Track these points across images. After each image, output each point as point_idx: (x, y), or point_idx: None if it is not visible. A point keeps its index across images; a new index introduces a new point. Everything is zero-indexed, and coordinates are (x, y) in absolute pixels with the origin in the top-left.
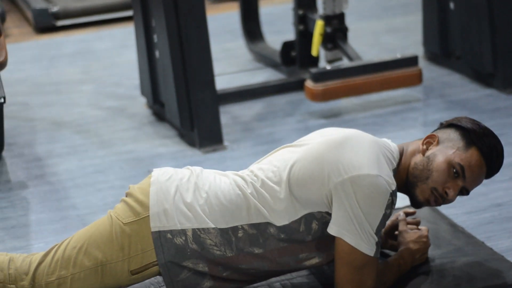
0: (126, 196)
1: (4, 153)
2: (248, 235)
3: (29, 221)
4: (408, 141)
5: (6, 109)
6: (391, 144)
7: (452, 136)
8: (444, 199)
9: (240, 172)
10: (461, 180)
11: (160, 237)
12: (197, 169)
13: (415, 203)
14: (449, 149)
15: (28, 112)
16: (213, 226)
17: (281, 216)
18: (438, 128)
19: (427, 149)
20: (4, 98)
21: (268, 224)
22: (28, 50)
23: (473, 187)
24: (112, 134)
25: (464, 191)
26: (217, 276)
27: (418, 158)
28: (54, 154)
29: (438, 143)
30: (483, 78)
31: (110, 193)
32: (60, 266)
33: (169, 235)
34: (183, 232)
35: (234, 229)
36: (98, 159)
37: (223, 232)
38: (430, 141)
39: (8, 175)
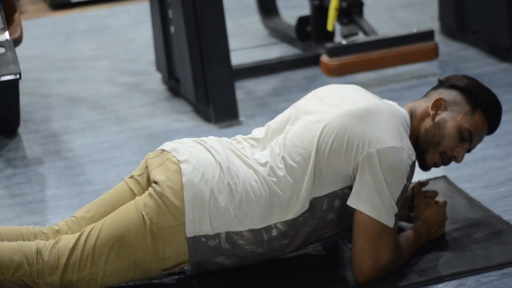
0: (156, 193)
1: (20, 129)
2: (281, 232)
3: (46, 197)
4: (414, 102)
5: (21, 85)
6: (401, 110)
7: (458, 100)
8: (451, 162)
9: (264, 159)
10: (468, 143)
11: (195, 241)
12: (223, 159)
13: (424, 166)
14: (457, 114)
15: (43, 89)
16: (246, 228)
17: (306, 197)
18: (439, 86)
19: (435, 113)
20: (20, 74)
21: (299, 216)
22: (43, 26)
23: (476, 146)
24: (128, 110)
25: (468, 151)
26: (241, 265)
27: (428, 123)
28: (70, 130)
29: (445, 107)
30: (499, 52)
31: (125, 168)
32: (91, 262)
33: (203, 239)
34: (217, 235)
35: (267, 228)
36: (114, 134)
37: (255, 232)
38: (438, 105)
39: (25, 151)
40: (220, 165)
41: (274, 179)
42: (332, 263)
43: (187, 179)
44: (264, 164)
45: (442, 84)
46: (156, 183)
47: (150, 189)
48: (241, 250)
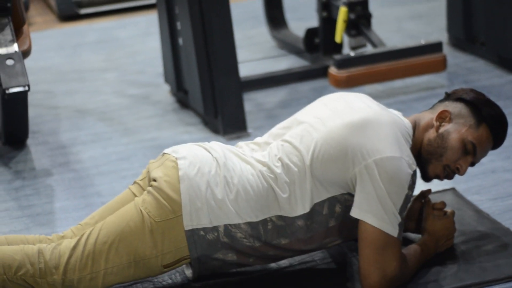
0: (153, 188)
1: (29, 141)
2: (276, 226)
3: (54, 209)
4: (419, 114)
5: (30, 97)
6: (404, 120)
7: (463, 112)
8: (455, 174)
9: (262, 157)
10: (472, 156)
11: (193, 235)
12: (220, 155)
13: (425, 177)
14: (461, 127)
15: (52, 100)
16: (244, 221)
17: (306, 201)
18: (445, 99)
19: (440, 125)
20: (28, 86)
21: (296, 218)
22: (51, 38)
23: (480, 160)
24: (136, 121)
25: (472, 164)
26: (243, 263)
27: (431, 134)
28: (78, 142)
29: (450, 119)
30: (508, 64)
31: (134, 180)
32: (92, 261)
33: (202, 232)
34: (215, 228)
35: (264, 222)
36: (122, 146)
37: (253, 226)
38: (442, 117)
39: (33, 162)
40: (217, 161)
41: (272, 176)
42: (340, 275)
43: (183, 172)
44: (261, 162)
45: (448, 96)
46: (154, 180)
47: (148, 187)
48: (240, 244)
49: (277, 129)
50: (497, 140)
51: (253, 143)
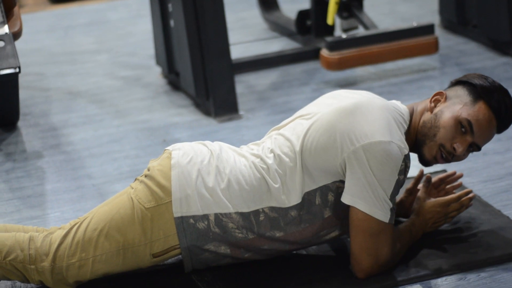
0: (146, 177)
1: (20, 123)
2: (269, 218)
3: (45, 191)
4: (418, 101)
5: (21, 79)
6: (401, 106)
7: (459, 93)
8: (453, 156)
9: (256, 151)
10: (470, 135)
11: (182, 222)
12: (216, 148)
13: (423, 161)
14: (456, 105)
15: (43, 82)
16: (235, 211)
17: (297, 191)
18: (448, 87)
19: (435, 106)
20: (19, 68)
21: (289, 208)
22: (43, 20)
23: (484, 142)
24: (127, 103)
25: (475, 147)
26: (238, 257)
27: (426, 116)
28: (70, 124)
29: (446, 100)
30: (499, 46)
31: (125, 162)
32: (81, 248)
33: (191, 220)
34: (205, 217)
35: (255, 213)
36: (114, 128)
37: (244, 216)
38: (438, 98)
39: (24, 145)
40: (211, 152)
41: (264, 166)
42: (332, 258)
43: (175, 161)
44: (255, 154)
45: (451, 84)
46: (148, 170)
47: (141, 177)
48: (232, 236)
49: (274, 128)
50: (500, 120)
51: (253, 144)
